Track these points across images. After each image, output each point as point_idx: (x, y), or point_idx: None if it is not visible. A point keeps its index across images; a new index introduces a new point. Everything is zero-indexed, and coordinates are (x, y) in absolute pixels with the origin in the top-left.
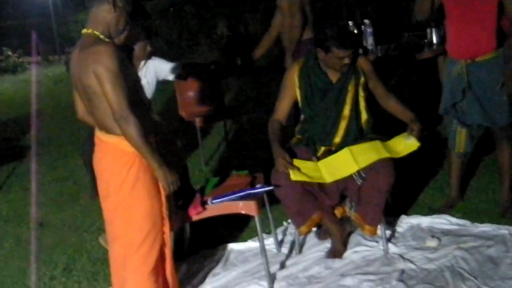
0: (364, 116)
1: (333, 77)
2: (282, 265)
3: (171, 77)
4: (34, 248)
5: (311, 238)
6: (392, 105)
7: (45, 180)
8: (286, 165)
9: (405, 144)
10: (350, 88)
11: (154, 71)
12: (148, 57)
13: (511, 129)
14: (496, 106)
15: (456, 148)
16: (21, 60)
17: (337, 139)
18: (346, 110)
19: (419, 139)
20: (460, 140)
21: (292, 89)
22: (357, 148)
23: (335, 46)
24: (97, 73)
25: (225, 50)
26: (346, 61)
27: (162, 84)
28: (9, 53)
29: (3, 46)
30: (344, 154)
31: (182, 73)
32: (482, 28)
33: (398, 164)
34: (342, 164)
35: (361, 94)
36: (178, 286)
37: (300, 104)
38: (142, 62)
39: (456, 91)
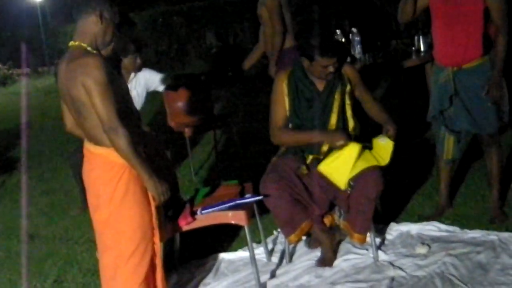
0: (351, 124)
1: (320, 85)
2: (273, 274)
3: (161, 88)
4: (25, 260)
5: (301, 247)
6: (375, 112)
7: (35, 192)
8: (344, 142)
9: (382, 146)
10: (337, 97)
11: (145, 82)
12: (138, 69)
13: (499, 136)
14: (483, 113)
15: (444, 155)
16: (10, 72)
17: (325, 148)
18: (333, 119)
19: (395, 138)
20: (448, 147)
21: (282, 97)
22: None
23: (318, 55)
24: (86, 85)
25: (215, 61)
26: (331, 69)
27: (150, 95)
28: None
29: None
30: (352, 149)
31: (172, 84)
32: (468, 35)
33: (387, 171)
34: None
35: (348, 102)
36: None
37: (287, 113)
38: (132, 74)
39: (444, 98)
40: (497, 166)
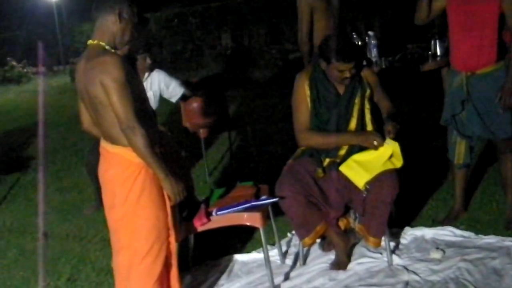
0: (369, 128)
1: (340, 89)
2: (286, 277)
3: (174, 99)
4: (39, 258)
5: (315, 250)
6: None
7: (49, 190)
8: (380, 139)
9: (388, 148)
10: (357, 101)
11: (158, 84)
12: (150, 69)
13: None
14: (496, 119)
15: (455, 160)
16: (25, 70)
17: (342, 152)
18: (353, 123)
19: (394, 136)
20: (459, 151)
21: (305, 98)
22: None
23: (335, 59)
24: (104, 83)
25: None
26: (347, 74)
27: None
28: (14, 63)
29: (8, 56)
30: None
31: (186, 94)
32: (482, 41)
33: (402, 175)
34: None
35: (367, 106)
36: None
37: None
38: (146, 74)
39: (456, 103)
40: (511, 172)
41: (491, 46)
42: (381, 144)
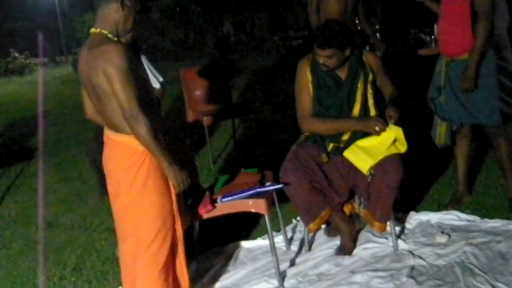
0: (372, 113)
1: (342, 74)
2: (292, 263)
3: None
4: (43, 248)
5: (320, 236)
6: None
7: (53, 180)
8: (382, 125)
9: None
10: (360, 86)
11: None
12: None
13: (503, 127)
14: (477, 105)
15: (436, 140)
16: (28, 61)
17: (345, 137)
18: (356, 108)
19: (396, 121)
20: (440, 132)
21: (307, 85)
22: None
23: (315, 43)
24: (107, 72)
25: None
26: (321, 60)
27: (169, 84)
28: (16, 54)
29: (10, 47)
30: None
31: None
32: (460, 28)
33: (407, 160)
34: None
35: (370, 91)
36: (189, 284)
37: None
38: None
39: (433, 87)
40: (507, 157)
41: (468, 34)
42: (383, 130)
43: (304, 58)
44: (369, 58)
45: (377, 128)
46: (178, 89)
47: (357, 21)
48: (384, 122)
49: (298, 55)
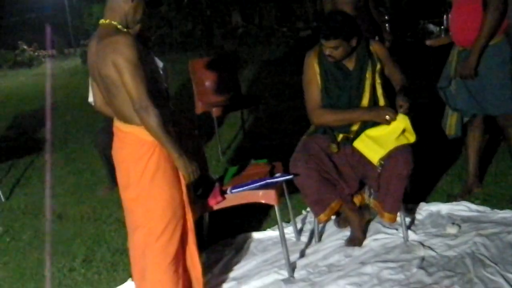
0: (381, 103)
1: (349, 64)
2: (302, 254)
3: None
4: (52, 240)
5: (330, 227)
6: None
7: (62, 172)
8: (393, 114)
9: (402, 124)
10: (368, 76)
11: None
12: None
13: None
14: (487, 95)
15: (447, 130)
16: (36, 53)
17: (355, 127)
18: (365, 99)
19: (407, 112)
20: (451, 123)
21: (315, 77)
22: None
23: (321, 35)
24: (116, 63)
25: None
26: (327, 51)
27: (177, 75)
28: (24, 47)
29: (18, 40)
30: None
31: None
32: (472, 17)
33: (417, 151)
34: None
35: (378, 81)
36: (202, 273)
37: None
38: None
39: (444, 77)
40: None
41: (480, 22)
42: (393, 119)
43: (311, 50)
44: (376, 47)
45: (387, 117)
46: (187, 80)
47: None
48: (394, 111)
49: (306, 46)
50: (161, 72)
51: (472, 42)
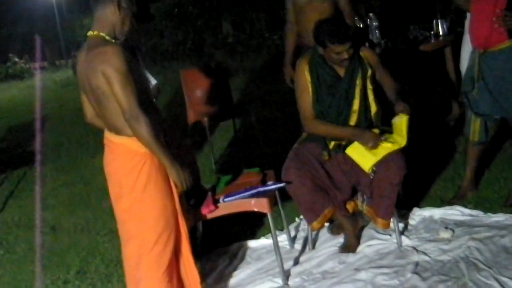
0: (373, 108)
1: (340, 71)
2: (296, 261)
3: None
4: (46, 252)
5: (324, 234)
6: (391, 95)
7: (56, 184)
8: (378, 139)
9: (398, 126)
10: (358, 82)
11: None
12: None
13: None
14: (510, 97)
15: (470, 137)
16: (28, 66)
17: None
18: (356, 105)
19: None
20: (474, 129)
21: (306, 84)
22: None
23: (330, 41)
24: (106, 73)
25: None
26: (345, 55)
27: (168, 86)
28: (16, 59)
29: (10, 52)
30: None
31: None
32: (491, 19)
33: (409, 156)
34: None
35: (369, 86)
36: (199, 282)
37: (311, 100)
38: None
39: (467, 81)
40: None
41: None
42: (375, 147)
43: (301, 57)
44: (366, 53)
45: (370, 145)
46: (178, 90)
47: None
48: (379, 137)
49: (297, 54)
50: (153, 88)
51: (492, 44)
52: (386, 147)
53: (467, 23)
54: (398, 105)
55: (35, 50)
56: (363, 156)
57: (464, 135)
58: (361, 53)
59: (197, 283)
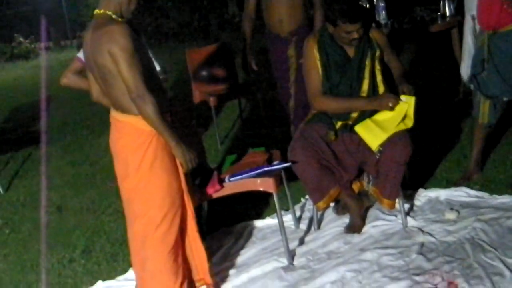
0: (381, 89)
1: (350, 51)
2: (301, 241)
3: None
4: (51, 231)
5: (329, 214)
6: (397, 76)
7: (61, 163)
8: (394, 97)
9: (404, 107)
10: (368, 62)
11: None
12: None
13: None
14: None
15: (480, 119)
16: (33, 46)
17: (354, 114)
18: (365, 85)
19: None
20: (483, 111)
21: (315, 63)
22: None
23: (341, 20)
24: (112, 52)
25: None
26: (355, 35)
27: (174, 65)
28: (21, 39)
29: (15, 32)
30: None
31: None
32: (499, 1)
33: (415, 137)
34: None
35: (378, 67)
36: (206, 259)
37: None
38: None
39: (477, 63)
40: None
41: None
42: (396, 104)
43: (309, 36)
44: (375, 34)
45: (390, 104)
46: (184, 70)
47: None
48: (395, 96)
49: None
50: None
51: (501, 25)
52: (400, 112)
53: (466, 3)
54: (403, 86)
55: (40, 30)
56: (372, 134)
57: (473, 117)
58: (370, 34)
59: (204, 262)
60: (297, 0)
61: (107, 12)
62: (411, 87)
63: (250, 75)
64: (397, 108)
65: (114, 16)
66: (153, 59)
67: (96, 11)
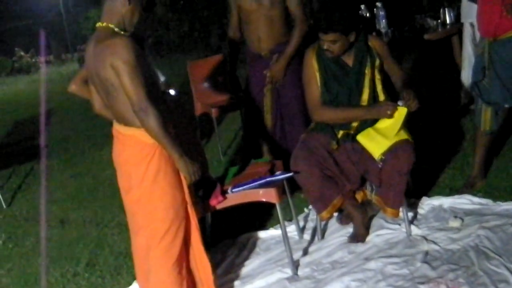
0: (381, 98)
1: (348, 60)
2: (305, 252)
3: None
4: (54, 245)
5: (333, 224)
6: (399, 84)
7: (63, 177)
8: (393, 104)
9: (402, 110)
10: (367, 72)
11: None
12: None
13: None
14: None
15: (482, 126)
16: (34, 60)
17: (356, 124)
18: (365, 94)
19: (413, 100)
20: (485, 118)
21: (314, 74)
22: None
23: (318, 28)
24: (115, 65)
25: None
26: (326, 46)
27: (175, 77)
28: (22, 53)
29: (16, 46)
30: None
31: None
32: (499, 6)
33: (417, 145)
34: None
35: (378, 77)
36: (211, 272)
37: (319, 89)
38: None
39: (478, 70)
40: None
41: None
42: (395, 111)
43: (310, 47)
44: (374, 43)
45: (389, 112)
46: (185, 81)
47: (363, 8)
48: (393, 103)
49: (304, 44)
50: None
51: (501, 32)
52: (399, 117)
53: (464, 11)
54: (403, 92)
55: (41, 44)
56: (374, 142)
57: (475, 125)
58: (369, 43)
59: (208, 274)
60: (276, 18)
61: (110, 25)
62: (411, 92)
63: (238, 92)
64: (396, 114)
65: (116, 29)
66: (157, 71)
67: (99, 24)
